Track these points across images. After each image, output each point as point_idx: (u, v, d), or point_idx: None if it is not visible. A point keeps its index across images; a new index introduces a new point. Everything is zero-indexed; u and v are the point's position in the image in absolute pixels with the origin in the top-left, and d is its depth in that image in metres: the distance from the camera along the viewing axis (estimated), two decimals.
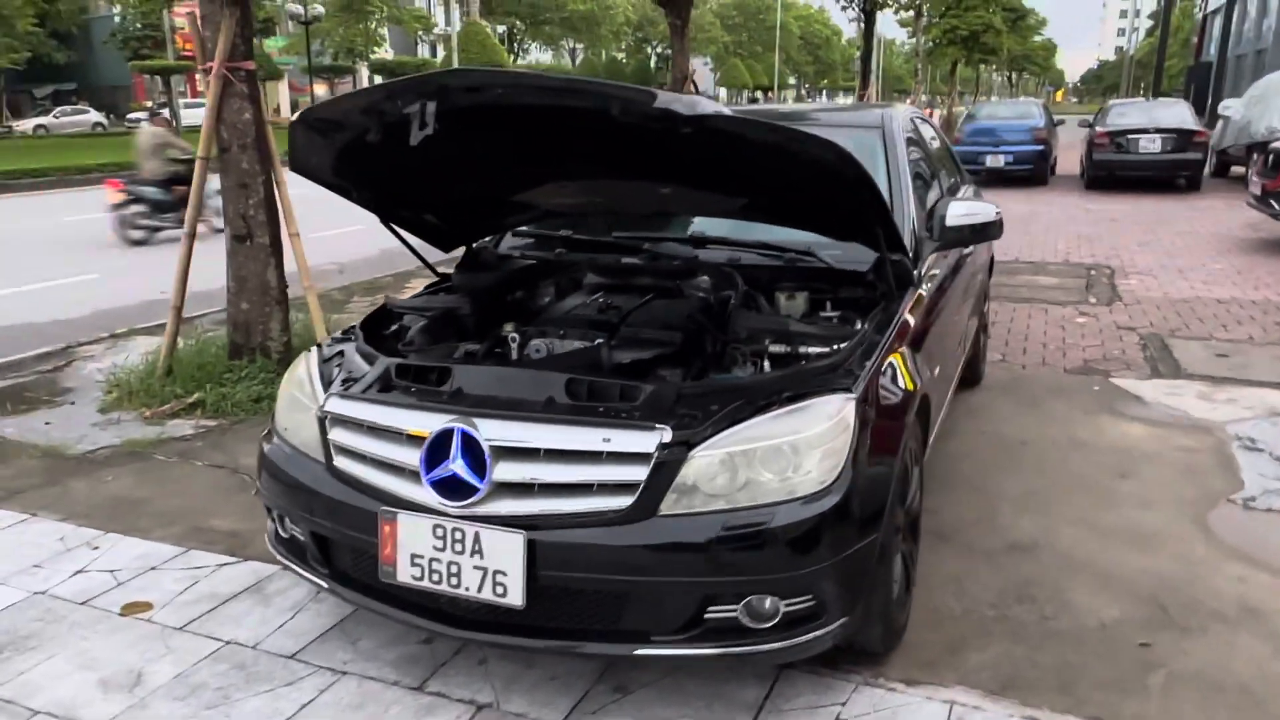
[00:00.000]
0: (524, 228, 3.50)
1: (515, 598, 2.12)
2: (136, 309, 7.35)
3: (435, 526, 2.18)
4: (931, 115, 26.13)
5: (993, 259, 5.35)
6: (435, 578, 2.19)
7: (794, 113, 4.46)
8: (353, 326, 2.92)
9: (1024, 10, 40.68)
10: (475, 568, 2.15)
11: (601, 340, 2.59)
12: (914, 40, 30.90)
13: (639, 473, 2.09)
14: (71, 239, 11.48)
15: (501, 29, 45.71)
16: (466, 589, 2.16)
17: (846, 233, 2.79)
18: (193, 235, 5.16)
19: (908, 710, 2.33)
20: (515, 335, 2.74)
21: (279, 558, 2.65)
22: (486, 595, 2.15)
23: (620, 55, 55.81)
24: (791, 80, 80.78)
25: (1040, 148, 16.12)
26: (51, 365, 5.86)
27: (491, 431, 2.17)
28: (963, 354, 4.09)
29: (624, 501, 2.10)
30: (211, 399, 4.82)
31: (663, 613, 2.15)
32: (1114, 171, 14.96)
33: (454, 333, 2.89)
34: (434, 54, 48.39)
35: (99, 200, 11.59)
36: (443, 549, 2.17)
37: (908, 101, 28.16)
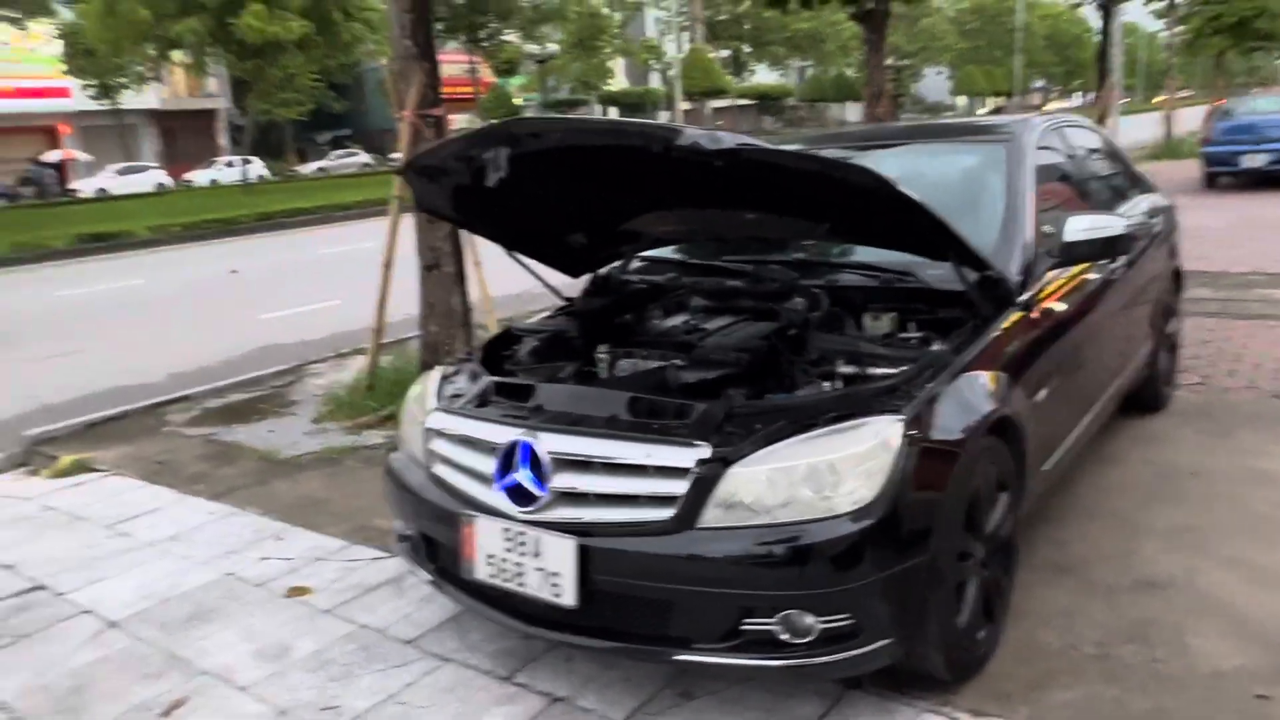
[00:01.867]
0: (646, 253, 3.69)
1: (569, 598, 2.30)
2: (364, 332, 8.25)
3: (505, 529, 2.41)
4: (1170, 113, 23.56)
5: (1179, 273, 4.91)
6: (505, 576, 2.41)
7: (920, 129, 4.36)
8: (476, 348, 3.23)
9: None
10: (536, 569, 2.35)
11: (673, 361, 2.73)
12: (1171, 32, 28.17)
13: (679, 486, 2.22)
14: (325, 270, 12.98)
15: (726, 53, 46.50)
16: (530, 588, 2.37)
17: (931, 252, 2.75)
18: (389, 265, 5.77)
19: None
20: (606, 355, 2.94)
21: (400, 555, 2.98)
22: (546, 595, 2.34)
23: (849, 70, 54.89)
24: (1038, 83, 76.00)
25: None
26: (284, 381, 6.73)
27: (552, 444, 2.37)
28: (1119, 377, 3.82)
29: (666, 513, 2.22)
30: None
31: (703, 621, 2.25)
32: None
33: (561, 353, 3.13)
34: (662, 82, 50.01)
35: (351, 234, 13.04)
36: (510, 550, 2.40)
37: (1163, 98, 25.76)
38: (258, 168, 37.75)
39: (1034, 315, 2.92)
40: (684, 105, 33.01)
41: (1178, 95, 26.54)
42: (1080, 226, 3.06)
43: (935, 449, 2.28)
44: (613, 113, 54.64)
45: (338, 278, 11.95)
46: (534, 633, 2.46)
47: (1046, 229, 3.16)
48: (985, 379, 2.55)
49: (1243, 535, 3.30)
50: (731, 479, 2.19)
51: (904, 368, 2.47)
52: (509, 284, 3.57)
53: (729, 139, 2.12)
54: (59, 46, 31.90)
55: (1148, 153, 23.91)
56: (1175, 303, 4.86)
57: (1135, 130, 29.19)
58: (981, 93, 63.37)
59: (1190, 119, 28.26)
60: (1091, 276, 3.45)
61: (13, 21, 21.55)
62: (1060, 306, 3.11)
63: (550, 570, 2.32)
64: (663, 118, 61.50)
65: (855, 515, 2.15)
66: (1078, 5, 18.28)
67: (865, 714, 2.41)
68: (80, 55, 31.30)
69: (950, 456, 2.31)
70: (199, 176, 38.51)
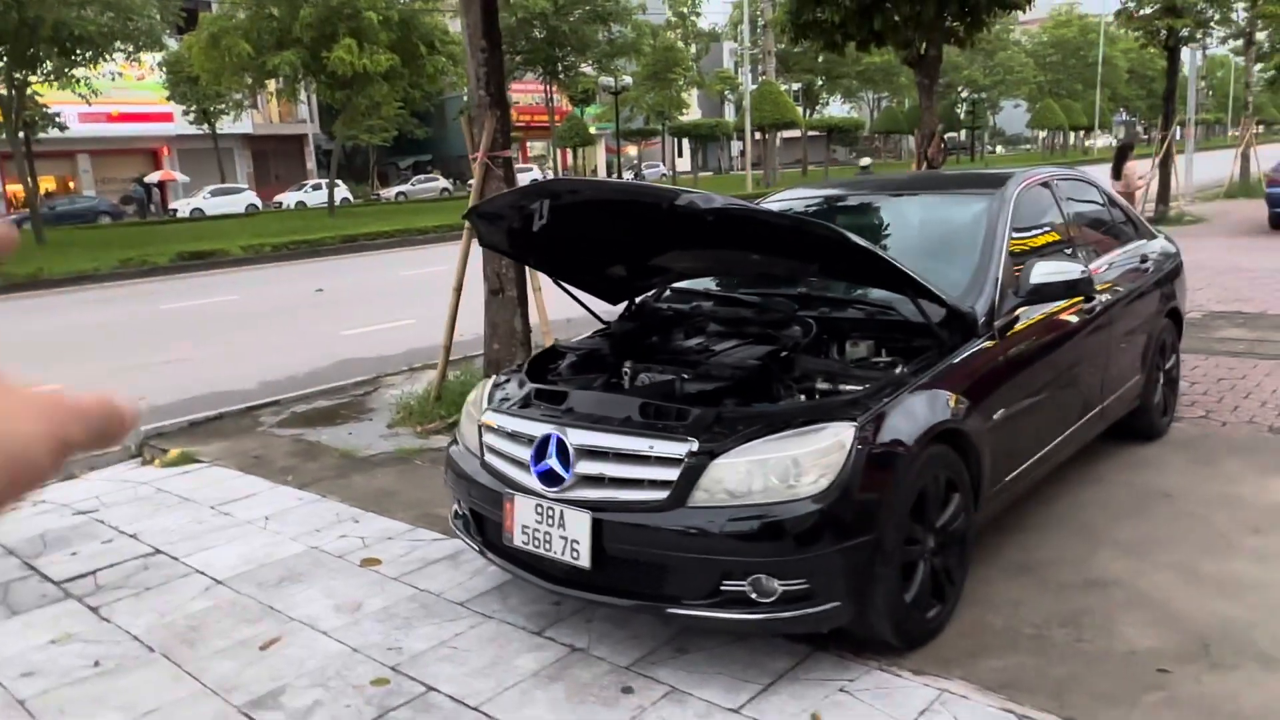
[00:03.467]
0: (677, 284, 4.27)
1: (585, 561, 2.87)
2: (436, 349, 8.98)
3: (537, 505, 3.00)
4: (1245, 151, 23.24)
5: (1178, 314, 5.28)
6: (536, 543, 3.00)
7: (916, 181, 4.84)
8: (524, 361, 3.85)
9: None
10: (560, 537, 2.93)
11: (682, 375, 3.30)
12: (1253, 68, 27.75)
13: (673, 473, 2.78)
14: (403, 290, 13.85)
15: (798, 85, 47.09)
16: (555, 553, 2.95)
17: (899, 290, 3.27)
18: (459, 289, 6.45)
19: (903, 692, 2.77)
20: (629, 369, 3.52)
21: (454, 529, 3.60)
22: (568, 558, 2.92)
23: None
24: (1121, 116, 74.70)
25: None
26: (363, 390, 7.47)
27: (577, 438, 2.96)
28: (1096, 406, 4.24)
29: (662, 495, 2.79)
30: None
31: (690, 582, 2.80)
32: None
33: (594, 367, 3.72)
34: (734, 113, 50.81)
35: (429, 257, 13.88)
36: (540, 522, 2.98)
37: (1240, 134, 25.42)
38: (342, 191, 39.55)
39: (995, 346, 3.41)
40: (754, 136, 33.63)
41: (1255, 132, 26.08)
42: (1044, 271, 3.55)
43: (882, 450, 2.80)
44: (684, 143, 55.60)
45: (414, 298, 12.80)
46: (557, 590, 3.04)
47: (1020, 272, 3.65)
48: (939, 397, 3.06)
49: (1194, 547, 3.71)
50: (715, 468, 2.75)
51: (867, 385, 3.00)
52: (566, 309, 4.19)
53: (719, 200, 2.69)
54: (163, 74, 34.16)
55: (1222, 191, 23.72)
56: (1173, 340, 5.23)
57: (1212, 168, 28.83)
58: (1061, 126, 62.62)
59: (1273, 156, 27.81)
60: (1066, 316, 3.91)
61: (129, 55, 23.21)
62: (1024, 340, 3.59)
63: (572, 538, 2.90)
64: (734, 148, 62.33)
65: (813, 500, 2.68)
66: (1145, 46, 18.33)
67: (826, 668, 2.92)
68: (183, 83, 33.47)
69: (895, 457, 2.82)
70: (287, 198, 40.52)
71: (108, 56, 21.67)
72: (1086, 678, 2.82)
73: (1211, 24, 18.35)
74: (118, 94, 33.99)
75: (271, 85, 32.63)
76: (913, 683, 2.82)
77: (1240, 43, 24.45)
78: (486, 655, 3.16)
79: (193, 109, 35.86)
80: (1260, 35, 24.86)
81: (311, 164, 46.18)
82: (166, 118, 38.01)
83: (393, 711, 2.86)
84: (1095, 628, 3.11)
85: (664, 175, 47.24)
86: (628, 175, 45.44)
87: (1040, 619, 3.19)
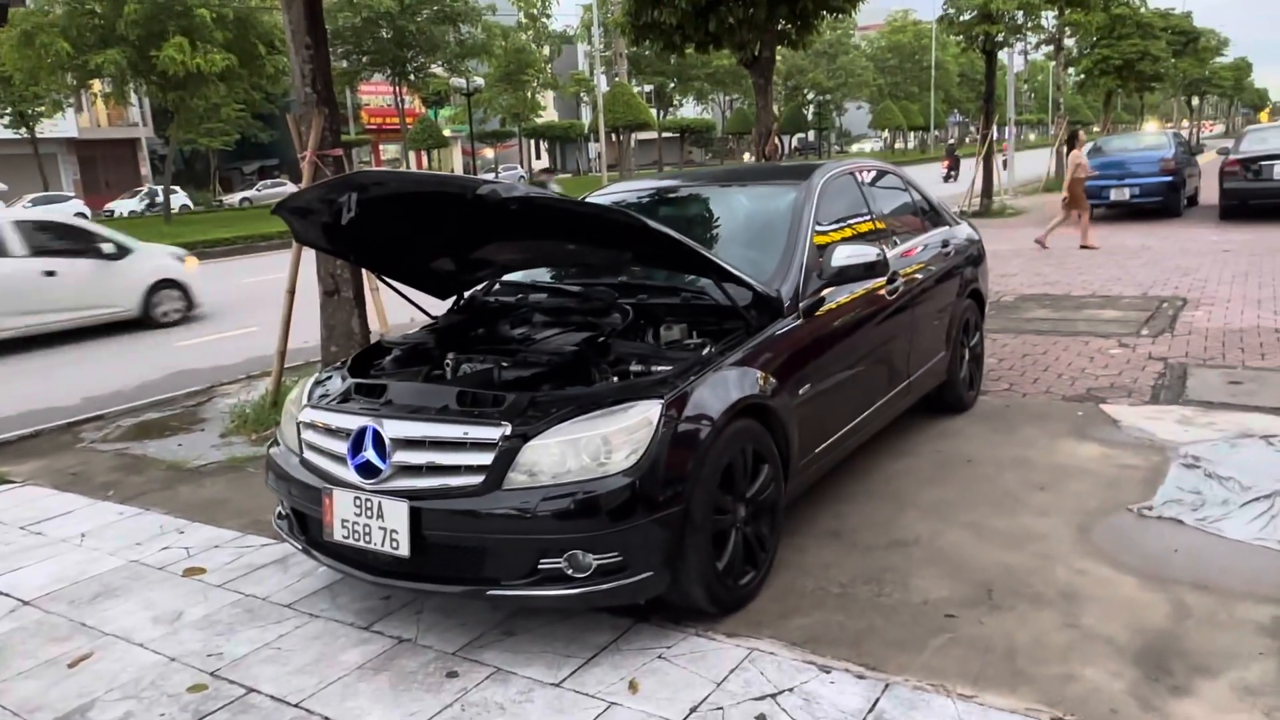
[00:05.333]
0: (505, 277, 4.31)
1: (404, 550, 2.89)
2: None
3: (355, 498, 2.99)
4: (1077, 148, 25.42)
5: (980, 295, 5.70)
6: (356, 536, 3.00)
7: (735, 173, 5.08)
8: (347, 359, 3.81)
9: (1197, 32, 38.57)
10: (379, 528, 2.94)
11: (503, 364, 3.36)
12: (1067, 72, 29.99)
13: (488, 458, 2.83)
14: (245, 298, 13.32)
15: (650, 88, 47.79)
16: (376, 544, 2.95)
17: (706, 275, 3.44)
18: (292, 291, 6.29)
19: (716, 654, 2.92)
20: (452, 361, 3.55)
21: (278, 530, 3.54)
22: (387, 549, 2.93)
23: (775, 105, 56.68)
24: (955, 117, 79.16)
25: (1169, 179, 15.63)
26: (196, 401, 7.18)
27: (393, 429, 2.97)
28: (902, 381, 4.54)
29: (478, 479, 2.84)
30: None
31: (509, 563, 2.86)
32: (1246, 200, 14.36)
33: (419, 360, 3.73)
34: (591, 115, 51.07)
35: (273, 263, 13.37)
36: (359, 514, 2.98)
37: (1053, 134, 27.44)
38: (181, 198, 37.58)
39: (801, 326, 3.62)
40: (609, 137, 33.92)
41: (1066, 131, 28.28)
42: (844, 254, 3.78)
43: (688, 426, 2.93)
44: (540, 145, 55.53)
45: (255, 306, 12.33)
46: (379, 581, 3.04)
47: (823, 256, 3.88)
48: (746, 374, 3.22)
49: (987, 506, 4.04)
50: (528, 450, 2.82)
51: (676, 366, 3.13)
52: (410, 309, 4.18)
53: (520, 189, 2.76)
54: None
55: (1042, 185, 25.57)
56: (976, 320, 5.64)
57: (1035, 164, 30.96)
58: (900, 126, 65.90)
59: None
60: (871, 297, 4.18)
61: None
62: (830, 320, 3.82)
63: (391, 528, 2.91)
64: (592, 149, 62.63)
65: (623, 475, 2.79)
66: (965, 50, 19.62)
67: (646, 638, 3.04)
68: None
69: (700, 432, 2.96)
70: (120, 206, 38.16)
71: None
72: (883, 628, 3.04)
73: (1024, 30, 19.71)
74: None
75: (97, 86, 30.64)
76: (725, 645, 2.97)
77: (1051, 49, 26.36)
78: (311, 653, 3.13)
79: (7, 112, 33.24)
80: (1069, 41, 26.89)
81: (146, 169, 43.63)
82: None
83: (209, 716, 2.80)
84: (894, 583, 3.35)
85: (521, 177, 47.03)
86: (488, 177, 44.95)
87: (847, 579, 3.41)
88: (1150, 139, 17.51)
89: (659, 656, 2.93)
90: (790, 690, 2.71)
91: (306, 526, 3.34)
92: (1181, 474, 4.25)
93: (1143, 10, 28.04)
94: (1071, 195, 13.08)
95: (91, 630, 3.44)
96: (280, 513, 3.52)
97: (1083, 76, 30.59)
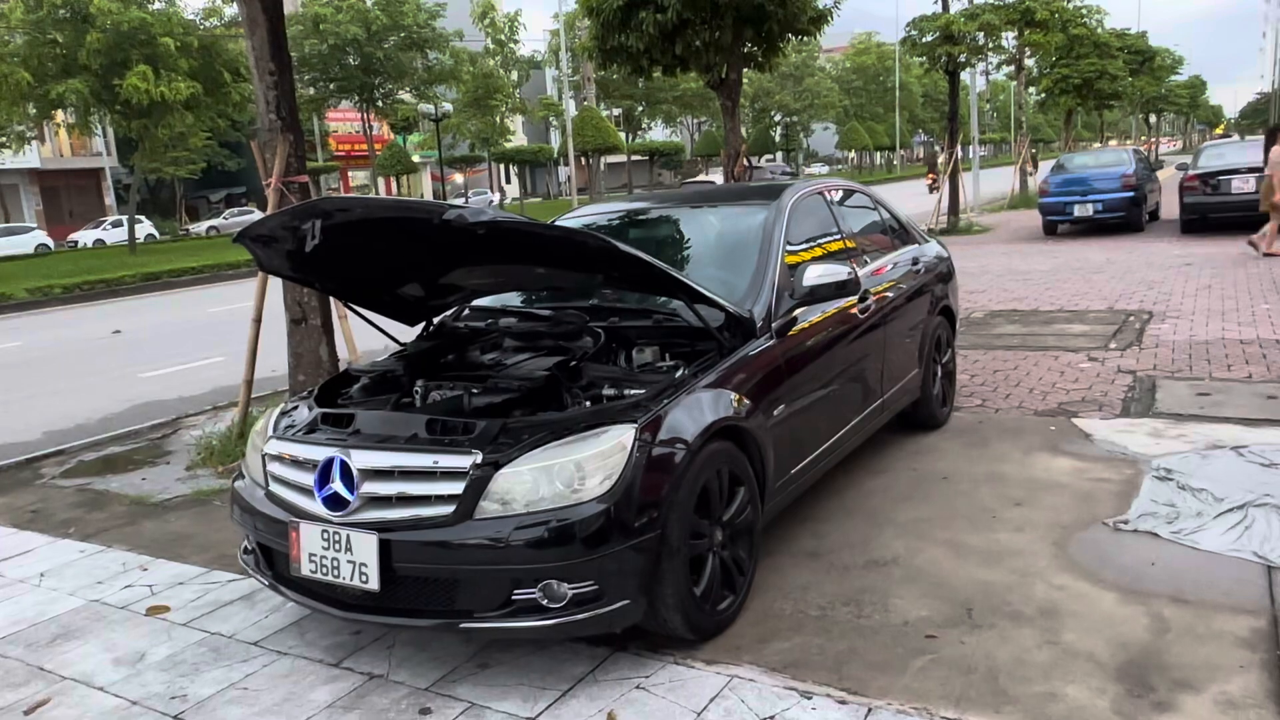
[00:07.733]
0: (475, 302, 4.26)
1: (374, 584, 2.81)
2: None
3: (323, 531, 2.91)
4: (1023, 167, 25.90)
5: (951, 312, 5.72)
6: (324, 570, 2.92)
7: (716, 192, 5.09)
8: (313, 388, 3.74)
9: (1153, 51, 39.45)
10: (348, 562, 2.86)
11: (472, 390, 3.30)
12: (1028, 91, 30.51)
13: (458, 487, 2.77)
14: (210, 328, 13.14)
15: (618, 111, 48.04)
16: (344, 578, 2.87)
17: (678, 297, 3.41)
18: (258, 320, 6.19)
19: (696, 682, 2.86)
20: (421, 388, 3.49)
21: (244, 566, 3.44)
22: (356, 583, 2.85)
23: (743, 127, 57.20)
24: (920, 137, 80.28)
25: (1130, 194, 15.88)
26: (161, 434, 7.03)
27: (361, 459, 2.90)
28: (876, 399, 4.53)
29: (449, 509, 2.77)
30: None
31: (482, 595, 2.79)
32: (1206, 214, 14.62)
33: (388, 388, 3.66)
34: (560, 139, 51.23)
35: (240, 292, 13.21)
36: (327, 548, 2.90)
37: (1016, 151, 27.90)
38: (146, 227, 37.15)
39: (774, 346, 3.59)
40: (578, 160, 34.02)
41: (1033, 152, 28.82)
42: (815, 273, 3.77)
43: (663, 450, 2.89)
44: (510, 170, 55.58)
45: (222, 335, 12.15)
46: (349, 617, 2.96)
47: (794, 276, 3.87)
48: (720, 396, 3.19)
49: (963, 522, 4.02)
50: (500, 478, 2.76)
51: (649, 389, 3.09)
52: (380, 337, 4.10)
53: (488, 214, 2.72)
54: None
55: (1007, 203, 25.92)
56: (948, 336, 5.66)
57: (1000, 182, 31.40)
58: (866, 147, 66.66)
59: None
60: (842, 315, 4.17)
61: None
62: (803, 339, 3.80)
63: (360, 561, 2.83)
64: (561, 173, 62.75)
65: (598, 501, 2.74)
66: (928, 71, 19.95)
67: (624, 667, 2.98)
68: None
69: (674, 455, 2.92)
70: (84, 236, 37.65)
71: None
72: (864, 650, 3.00)
73: (986, 51, 20.03)
74: None
75: (60, 116, 30.28)
76: (705, 672, 2.92)
77: (1013, 69, 26.82)
78: (279, 692, 3.04)
79: None
80: (1029, 61, 27.37)
81: (110, 199, 43.12)
82: None
83: None
84: (874, 604, 3.32)
85: (492, 202, 46.99)
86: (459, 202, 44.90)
87: (826, 600, 3.37)
88: (1110, 155, 17.80)
89: (637, 686, 2.87)
90: (772, 718, 2.65)
91: (273, 561, 3.25)
92: (1155, 487, 4.26)
93: (1099, 31, 28.68)
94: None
95: (50, 675, 3.32)
96: (246, 547, 3.43)
97: (1043, 95, 31.22)
